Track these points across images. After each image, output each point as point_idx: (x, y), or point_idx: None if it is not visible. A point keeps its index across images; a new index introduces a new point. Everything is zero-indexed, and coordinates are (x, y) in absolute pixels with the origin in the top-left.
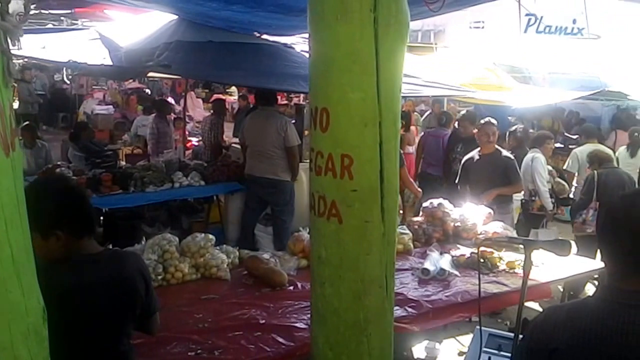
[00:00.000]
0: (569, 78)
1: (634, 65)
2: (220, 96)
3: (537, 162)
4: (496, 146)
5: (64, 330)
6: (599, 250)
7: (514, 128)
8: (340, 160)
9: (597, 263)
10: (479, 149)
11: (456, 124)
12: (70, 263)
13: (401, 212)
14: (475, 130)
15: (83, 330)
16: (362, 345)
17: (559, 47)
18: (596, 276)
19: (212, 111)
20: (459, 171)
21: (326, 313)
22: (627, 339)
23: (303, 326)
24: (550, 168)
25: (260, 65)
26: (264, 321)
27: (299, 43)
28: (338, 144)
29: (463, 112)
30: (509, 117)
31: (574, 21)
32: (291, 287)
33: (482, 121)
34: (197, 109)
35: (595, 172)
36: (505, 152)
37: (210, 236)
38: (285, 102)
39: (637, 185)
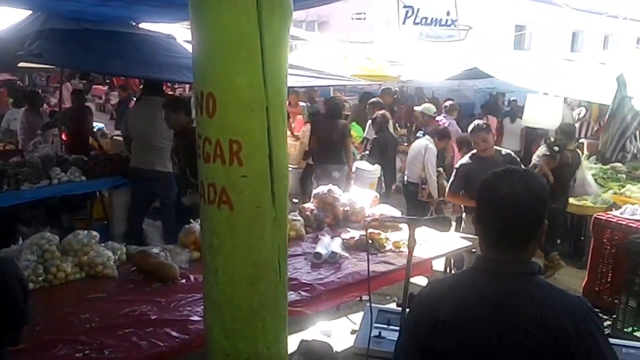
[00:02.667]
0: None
1: (503, 53)
2: (100, 87)
3: (430, 152)
4: (496, 147)
5: None
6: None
7: (375, 115)
8: (229, 146)
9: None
10: (472, 152)
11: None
12: None
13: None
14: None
15: None
16: (257, 330)
17: (434, 39)
18: (474, 250)
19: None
20: (453, 177)
21: (220, 301)
22: (501, 305)
23: (197, 318)
24: None
25: (141, 54)
26: (155, 316)
27: (181, 28)
28: (226, 130)
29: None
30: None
31: (448, 13)
32: (183, 280)
33: (470, 128)
34: None
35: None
36: (505, 150)
37: (94, 233)
38: (170, 92)
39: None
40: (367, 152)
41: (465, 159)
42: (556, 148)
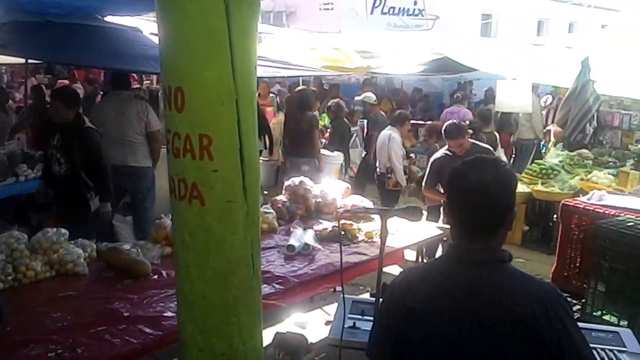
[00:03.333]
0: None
1: (471, 42)
2: (66, 81)
3: (394, 141)
4: (471, 141)
5: None
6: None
7: (329, 103)
8: (199, 141)
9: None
10: (446, 146)
11: None
12: None
13: None
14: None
15: None
16: (232, 325)
17: (402, 28)
18: (445, 238)
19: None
20: (428, 172)
21: (193, 297)
22: (472, 293)
23: (171, 314)
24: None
25: (107, 46)
26: (128, 313)
27: (147, 22)
28: (195, 124)
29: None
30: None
31: (415, 2)
32: (156, 276)
33: (444, 133)
34: None
35: (437, 144)
36: (483, 145)
37: (63, 230)
38: (138, 85)
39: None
40: (324, 139)
41: (440, 153)
42: (470, 131)
